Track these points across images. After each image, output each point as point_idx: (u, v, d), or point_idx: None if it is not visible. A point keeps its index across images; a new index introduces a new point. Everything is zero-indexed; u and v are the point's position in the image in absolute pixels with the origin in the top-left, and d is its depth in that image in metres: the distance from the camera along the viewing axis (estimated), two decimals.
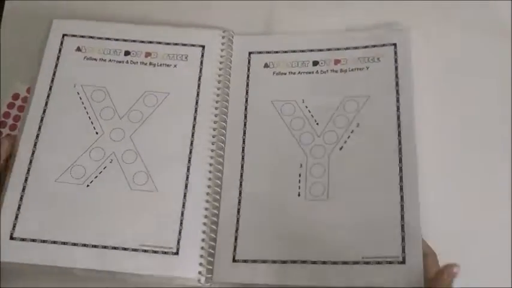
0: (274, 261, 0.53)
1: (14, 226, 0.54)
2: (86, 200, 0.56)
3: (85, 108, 0.60)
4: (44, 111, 0.59)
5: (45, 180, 0.56)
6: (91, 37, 0.64)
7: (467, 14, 0.62)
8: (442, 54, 0.61)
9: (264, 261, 0.53)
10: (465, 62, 0.60)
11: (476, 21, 0.62)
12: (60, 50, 0.62)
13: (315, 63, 0.62)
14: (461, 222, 0.51)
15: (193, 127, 0.59)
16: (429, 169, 0.54)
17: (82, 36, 0.64)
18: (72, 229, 0.54)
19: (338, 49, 0.62)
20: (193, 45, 0.64)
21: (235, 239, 0.55)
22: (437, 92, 0.59)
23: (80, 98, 0.60)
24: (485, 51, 0.60)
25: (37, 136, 0.58)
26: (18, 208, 0.55)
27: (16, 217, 0.54)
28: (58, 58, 0.62)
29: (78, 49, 0.63)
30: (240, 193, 0.57)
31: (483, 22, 0.61)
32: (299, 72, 0.62)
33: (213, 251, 0.54)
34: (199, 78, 0.62)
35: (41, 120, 0.59)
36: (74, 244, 0.53)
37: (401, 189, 0.52)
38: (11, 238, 0.54)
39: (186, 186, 0.56)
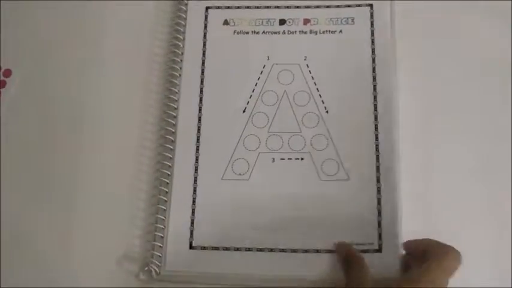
0: (237, 249, 0.47)
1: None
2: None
3: None
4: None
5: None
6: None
7: None
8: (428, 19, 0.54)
9: (226, 249, 0.48)
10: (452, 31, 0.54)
11: None
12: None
13: (282, 21, 0.54)
14: (462, 221, 0.47)
15: None
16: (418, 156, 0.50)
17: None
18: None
19: (308, 7, 0.54)
20: None
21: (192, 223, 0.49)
22: (420, 67, 0.53)
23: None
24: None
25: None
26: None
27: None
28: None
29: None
30: (196, 169, 0.50)
31: None
32: (264, 32, 0.54)
33: None
34: None
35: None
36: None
37: (377, 169, 0.48)
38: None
39: None
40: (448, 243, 0.43)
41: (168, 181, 0.50)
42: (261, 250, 0.47)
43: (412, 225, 0.46)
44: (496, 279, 0.46)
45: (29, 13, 0.57)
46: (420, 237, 0.44)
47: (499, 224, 0.48)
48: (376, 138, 0.49)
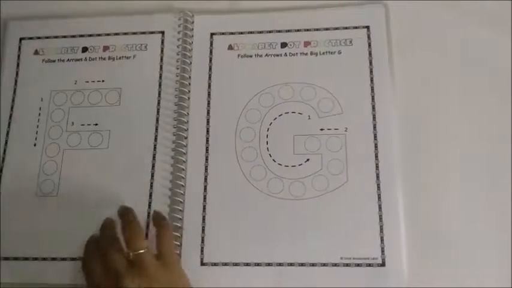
0: (247, 264, 0.50)
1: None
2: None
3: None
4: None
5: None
6: (47, 37, 0.60)
7: None
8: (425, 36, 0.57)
9: (236, 264, 0.50)
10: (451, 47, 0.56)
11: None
12: (19, 56, 0.60)
13: (284, 45, 0.57)
14: (461, 222, 0.50)
15: (157, 120, 0.56)
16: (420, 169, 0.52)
17: (39, 38, 0.60)
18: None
19: (307, 30, 0.57)
20: (152, 33, 0.58)
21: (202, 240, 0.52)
22: (418, 82, 0.55)
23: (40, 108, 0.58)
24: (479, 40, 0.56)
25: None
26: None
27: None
28: (18, 65, 0.59)
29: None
30: (205, 188, 0.53)
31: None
32: (266, 55, 0.57)
33: None
34: (161, 68, 0.57)
35: None
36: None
37: (378, 187, 0.51)
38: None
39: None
40: (448, 246, 0.48)
41: (181, 200, 0.53)
42: (269, 265, 0.50)
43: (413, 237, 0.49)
44: (496, 279, 0.49)
45: None
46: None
47: (498, 225, 0.50)
48: (376, 157, 0.52)
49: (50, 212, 0.53)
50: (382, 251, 0.49)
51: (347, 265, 0.49)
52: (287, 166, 0.53)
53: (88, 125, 0.56)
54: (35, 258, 0.52)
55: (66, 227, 0.53)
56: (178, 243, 0.51)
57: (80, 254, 0.49)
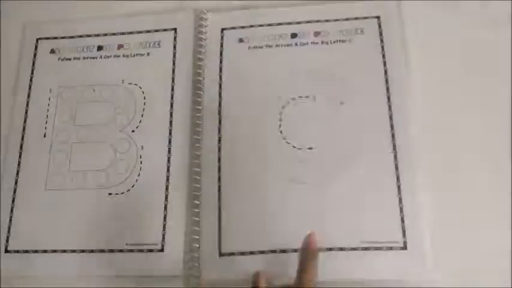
0: (262, 252, 0.49)
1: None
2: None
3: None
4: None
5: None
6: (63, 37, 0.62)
7: None
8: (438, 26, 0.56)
9: (252, 253, 0.49)
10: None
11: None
12: (35, 55, 0.61)
13: (294, 35, 0.57)
14: (461, 222, 0.49)
15: (171, 115, 0.56)
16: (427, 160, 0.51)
17: (55, 38, 0.62)
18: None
19: (318, 21, 0.57)
20: (165, 30, 0.60)
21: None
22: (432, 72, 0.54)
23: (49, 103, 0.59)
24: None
25: None
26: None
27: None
28: (34, 63, 0.61)
29: (52, 51, 0.61)
30: (219, 179, 0.53)
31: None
32: (276, 45, 0.57)
33: None
34: (174, 63, 0.58)
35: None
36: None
37: (396, 167, 0.50)
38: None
39: None
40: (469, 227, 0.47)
41: (198, 193, 0.53)
42: (284, 251, 0.49)
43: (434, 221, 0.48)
44: (496, 279, 0.47)
45: None
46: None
47: (499, 225, 0.49)
48: (393, 136, 0.51)
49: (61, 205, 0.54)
50: (404, 234, 0.47)
51: (366, 249, 0.47)
52: (304, 151, 0.52)
53: None
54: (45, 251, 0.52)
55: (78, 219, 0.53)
56: (197, 237, 0.51)
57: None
